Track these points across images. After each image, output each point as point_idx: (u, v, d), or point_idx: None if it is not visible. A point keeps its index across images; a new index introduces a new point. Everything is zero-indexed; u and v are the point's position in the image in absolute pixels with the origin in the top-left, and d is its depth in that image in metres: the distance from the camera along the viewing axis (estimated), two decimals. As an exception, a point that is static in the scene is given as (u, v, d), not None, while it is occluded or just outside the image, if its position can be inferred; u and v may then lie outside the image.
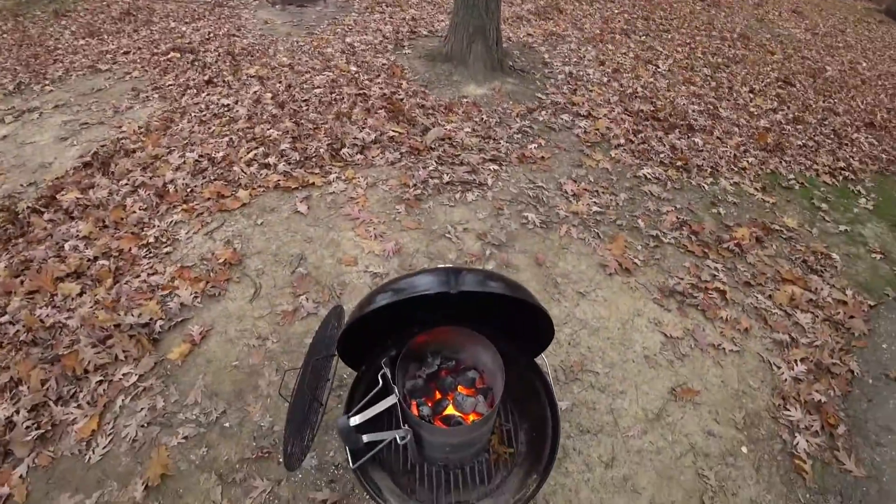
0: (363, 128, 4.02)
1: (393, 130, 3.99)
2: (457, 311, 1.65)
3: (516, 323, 1.73)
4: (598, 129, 4.24)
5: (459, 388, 1.61)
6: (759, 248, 3.21)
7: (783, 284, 2.96)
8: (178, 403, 2.21)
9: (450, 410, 1.55)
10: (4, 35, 6.58)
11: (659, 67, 5.66)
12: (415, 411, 1.52)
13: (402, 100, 4.45)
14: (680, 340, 2.57)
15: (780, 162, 4.09)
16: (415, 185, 3.48)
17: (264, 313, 2.64)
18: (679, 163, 3.90)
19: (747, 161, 4.04)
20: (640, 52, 6.05)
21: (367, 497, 1.48)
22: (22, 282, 2.83)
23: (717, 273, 2.96)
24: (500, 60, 5.00)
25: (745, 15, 8.22)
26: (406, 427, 1.41)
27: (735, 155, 4.09)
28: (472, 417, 1.54)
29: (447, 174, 3.59)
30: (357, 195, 3.41)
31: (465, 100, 4.61)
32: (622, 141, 4.11)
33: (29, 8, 7.76)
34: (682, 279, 2.89)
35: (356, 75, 4.94)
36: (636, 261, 3.00)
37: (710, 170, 3.89)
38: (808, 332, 2.70)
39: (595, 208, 3.40)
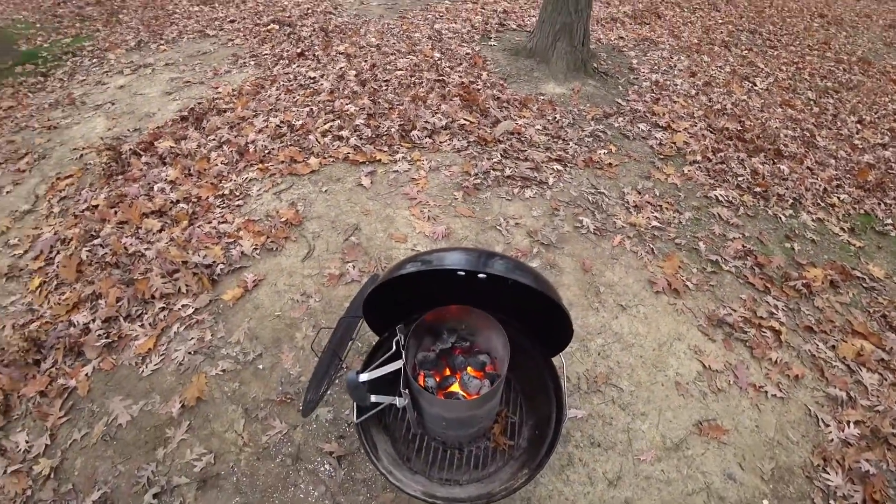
0: (436, 113, 4.11)
1: (464, 119, 4.04)
2: (483, 295, 1.69)
3: (538, 319, 1.74)
4: (674, 143, 4.04)
5: (469, 368, 1.65)
6: (832, 294, 2.94)
7: (852, 337, 2.70)
8: (222, 340, 2.43)
9: (455, 388, 1.60)
10: (132, -4, 7.34)
11: (756, 85, 5.26)
12: (420, 381, 1.58)
13: (478, 90, 4.48)
14: (718, 374, 2.43)
15: (879, 203, 3.69)
16: (476, 174, 3.52)
17: (313, 273, 2.81)
18: (758, 189, 3.64)
19: (838, 197, 3.68)
20: (737, 67, 5.65)
21: (363, 452, 1.56)
22: (115, 212, 3.21)
23: (775, 311, 2.76)
24: (584, 61, 4.88)
25: (871, 37, 7.39)
26: (406, 392, 1.47)
27: (825, 189, 3.74)
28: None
29: (510, 168, 3.60)
30: (419, 177, 3.51)
31: (541, 97, 4.56)
32: (698, 158, 3.89)
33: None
34: (734, 311, 2.72)
35: (438, 62, 5.03)
36: (688, 283, 2.86)
37: (791, 201, 3.59)
38: (870, 394, 2.46)
39: (655, 223, 3.26)
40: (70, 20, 6.88)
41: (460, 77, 4.70)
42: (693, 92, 4.90)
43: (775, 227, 3.37)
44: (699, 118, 4.43)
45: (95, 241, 3.02)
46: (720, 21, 7.14)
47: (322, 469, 1.90)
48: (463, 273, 1.60)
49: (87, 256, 2.92)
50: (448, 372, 1.66)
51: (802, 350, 2.60)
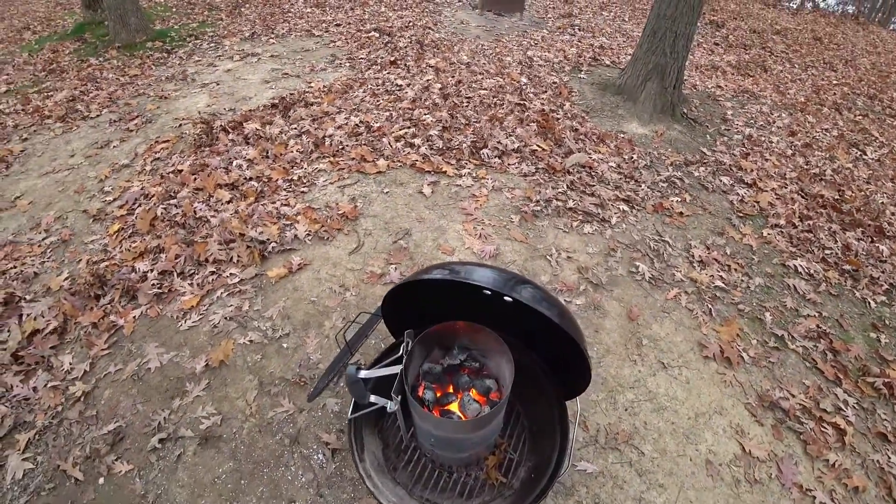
0: (510, 135, 4.11)
1: (537, 145, 4.00)
2: (506, 320, 1.63)
3: (559, 357, 1.65)
4: (757, 202, 3.74)
5: (472, 390, 1.58)
6: (920, 402, 2.54)
7: (937, 456, 2.31)
8: (257, 312, 2.52)
9: (453, 407, 1.53)
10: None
11: (866, 154, 4.77)
12: (420, 392, 1.53)
13: (557, 119, 4.43)
14: (760, 462, 2.16)
15: None
16: (538, 201, 3.46)
17: (356, 268, 2.86)
18: (847, 266, 3.26)
19: (947, 295, 3.21)
20: (846, 132, 5.17)
21: (349, 449, 1.53)
22: (195, 179, 3.48)
23: (844, 407, 2.42)
24: (674, 104, 4.68)
25: None
26: (397, 398, 1.42)
27: (932, 283, 3.28)
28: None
29: (573, 200, 3.50)
30: (479, 194, 3.50)
31: (622, 135, 4.42)
32: (782, 222, 3.57)
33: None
34: (793, 396, 2.43)
35: (523, 87, 5.04)
36: (744, 354, 2.60)
37: (886, 286, 3.18)
38: (949, 528, 2.08)
39: (719, 283, 3.02)
40: (200, 8, 7.69)
41: (542, 104, 4.68)
42: (789, 152, 4.53)
43: (861, 313, 2.99)
44: (791, 180, 4.07)
45: (171, 202, 3.28)
46: (834, 82, 6.60)
47: (315, 457, 1.89)
48: (489, 292, 1.57)
49: (161, 213, 3.17)
50: (451, 389, 1.60)
51: (869, 459, 2.26)
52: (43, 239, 3.19)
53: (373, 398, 1.44)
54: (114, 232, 3.12)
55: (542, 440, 1.64)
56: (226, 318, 2.49)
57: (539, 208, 3.39)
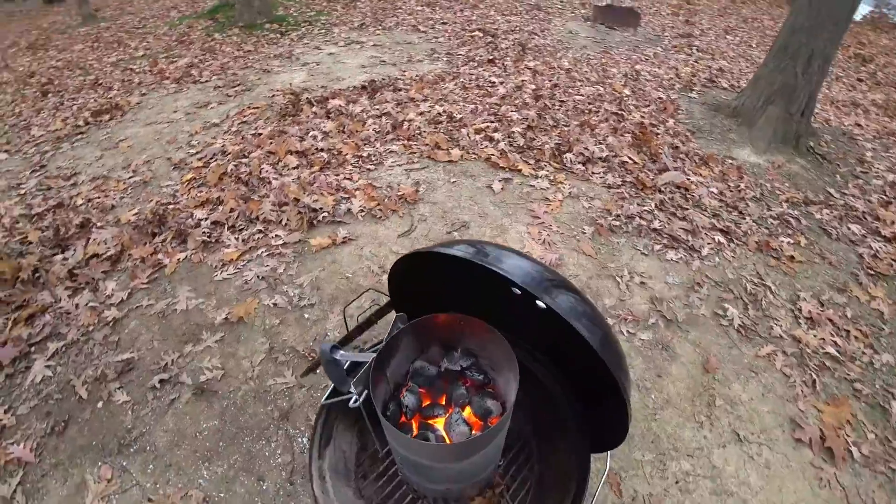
0: (600, 142, 3.74)
1: (629, 157, 3.60)
2: (534, 330, 1.32)
3: (592, 394, 1.32)
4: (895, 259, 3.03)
5: (467, 409, 1.26)
6: None
7: None
8: (290, 277, 2.42)
9: (438, 423, 1.23)
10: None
11: None
12: (402, 393, 1.26)
13: (656, 134, 3.98)
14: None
15: None
16: (618, 215, 3.07)
17: (400, 251, 2.68)
18: None
19: None
20: None
21: (309, 437, 1.29)
22: (270, 143, 3.52)
23: None
24: (798, 135, 4.00)
25: None
26: (360, 391, 1.15)
27: None
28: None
29: (660, 221, 3.06)
30: (553, 199, 3.19)
31: (730, 161, 3.86)
32: (931, 291, 2.84)
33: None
34: (922, 513, 1.82)
35: (625, 98, 4.63)
36: (854, 450, 2.01)
37: None
38: None
39: (832, 349, 2.42)
40: (320, 0, 8.12)
41: (642, 117, 4.24)
42: (951, 211, 3.66)
43: None
44: (950, 244, 3.26)
45: (243, 160, 3.34)
46: None
47: (299, 440, 1.70)
48: (518, 292, 1.28)
49: (231, 170, 3.23)
50: (442, 400, 1.30)
51: None
52: (129, 178, 3.39)
53: (353, 387, 1.19)
54: (186, 180, 3.23)
55: (552, 494, 1.29)
56: (259, 276, 2.41)
57: (618, 224, 2.99)
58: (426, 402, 1.28)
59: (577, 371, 1.41)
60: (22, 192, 3.42)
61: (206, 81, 5.03)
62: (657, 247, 2.90)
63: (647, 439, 1.95)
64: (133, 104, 4.65)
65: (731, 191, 3.49)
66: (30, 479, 1.67)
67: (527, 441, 1.51)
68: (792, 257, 2.96)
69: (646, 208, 3.17)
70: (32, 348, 2.13)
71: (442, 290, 1.39)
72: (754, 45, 7.10)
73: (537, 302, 1.37)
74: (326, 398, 1.23)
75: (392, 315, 1.37)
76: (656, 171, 3.54)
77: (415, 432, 1.24)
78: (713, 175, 3.63)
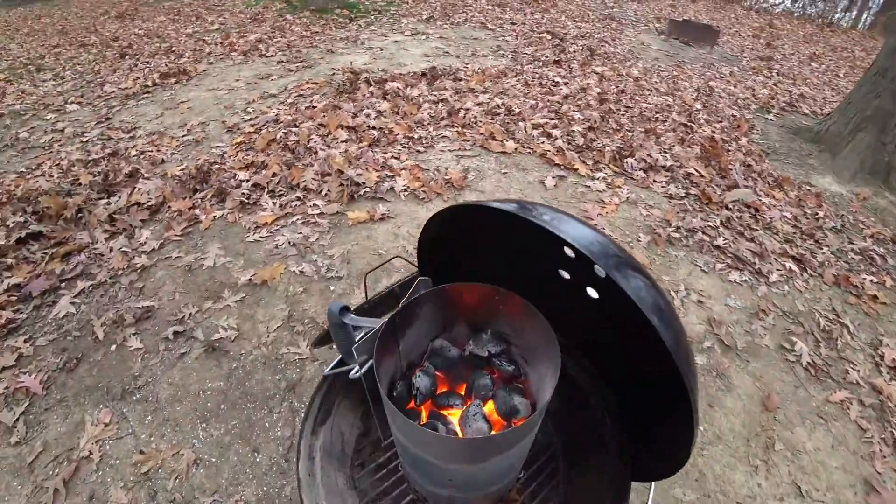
0: (665, 151, 3.46)
1: (695, 169, 3.30)
2: (587, 320, 1.12)
3: (647, 410, 1.10)
4: None
5: (490, 403, 1.07)
6: None
7: None
8: (321, 248, 2.31)
9: (452, 415, 1.04)
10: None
11: None
12: (415, 373, 1.08)
13: (728, 150, 3.65)
14: None
15: None
16: (678, 227, 2.80)
17: (440, 238, 2.52)
18: None
19: None
20: None
21: (305, 409, 1.13)
22: (323, 116, 3.47)
23: None
24: (890, 167, 3.56)
25: None
26: (362, 361, 0.97)
27: None
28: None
29: (724, 239, 2.76)
30: (608, 202, 2.95)
31: (808, 187, 3.48)
32: None
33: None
34: None
35: (695, 112, 4.31)
36: (950, 522, 1.67)
37: None
38: None
39: (922, 407, 2.06)
40: (394, -9, 8.17)
41: (712, 132, 3.92)
42: None
43: None
44: None
45: (293, 129, 3.29)
46: None
47: (302, 416, 1.56)
48: (572, 254, 1.07)
49: (280, 137, 3.19)
50: (461, 389, 1.11)
51: None
52: (183, 136, 3.42)
53: (355, 354, 1.02)
54: (235, 143, 3.21)
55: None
56: (290, 242, 2.31)
57: (678, 236, 2.72)
58: (442, 389, 1.10)
59: (626, 379, 1.19)
60: (84, 139, 3.52)
61: (271, 56, 5.10)
62: (719, 265, 2.61)
63: (690, 476, 1.70)
64: (199, 71, 4.76)
65: (808, 218, 3.13)
66: (33, 411, 1.62)
67: (554, 455, 1.30)
68: (875, 297, 2.59)
69: (710, 224, 2.88)
70: (63, 284, 2.12)
71: (478, 264, 1.21)
72: (841, 75, 6.54)
73: (587, 290, 1.18)
74: (330, 369, 1.06)
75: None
76: (725, 187, 3.23)
77: (423, 420, 1.06)
78: (788, 199, 3.28)
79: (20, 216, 2.50)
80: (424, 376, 1.07)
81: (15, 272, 2.17)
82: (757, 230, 2.91)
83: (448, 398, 1.08)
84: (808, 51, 7.61)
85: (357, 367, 0.96)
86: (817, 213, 3.19)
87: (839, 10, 12.08)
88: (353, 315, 0.99)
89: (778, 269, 2.65)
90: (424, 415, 1.07)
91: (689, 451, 0.90)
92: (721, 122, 4.23)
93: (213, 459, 1.43)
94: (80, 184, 2.77)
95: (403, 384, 1.07)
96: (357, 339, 1.00)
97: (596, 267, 1.08)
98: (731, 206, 3.06)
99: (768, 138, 4.15)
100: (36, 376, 1.72)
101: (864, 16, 13.25)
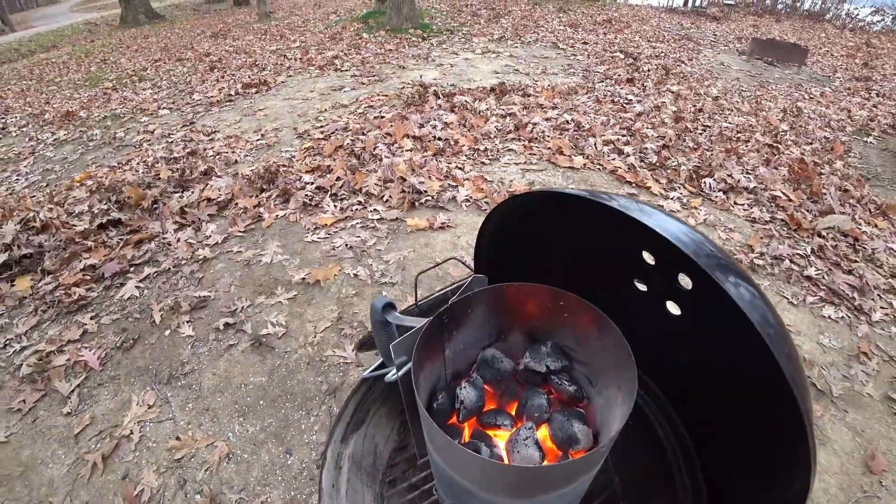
0: (747, 172, 3.17)
1: (782, 191, 2.99)
2: (669, 337, 0.97)
3: (725, 455, 0.92)
4: None
5: (543, 427, 0.92)
6: None
7: None
8: (378, 252, 2.26)
9: (497, 435, 0.91)
10: (516, 10, 8.35)
11: None
12: (460, 384, 0.95)
13: (821, 174, 3.28)
14: None
15: None
16: (762, 254, 2.52)
17: (498, 250, 2.41)
18: None
19: None
20: None
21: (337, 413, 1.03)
22: (390, 125, 3.50)
23: None
24: None
25: None
26: (403, 362, 0.85)
27: None
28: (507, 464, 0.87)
29: (816, 269, 2.45)
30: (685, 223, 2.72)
31: None
32: None
33: (553, 1, 9.60)
34: None
35: (781, 133, 3.95)
36: None
37: None
38: None
39: None
40: (466, 15, 8.32)
41: (802, 153, 3.55)
42: None
43: None
44: None
45: (361, 136, 3.34)
46: None
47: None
48: (652, 261, 0.94)
49: (347, 144, 3.23)
50: (511, 409, 0.97)
51: None
52: (257, 140, 3.57)
53: (392, 353, 0.92)
54: (304, 148, 3.30)
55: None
56: (347, 245, 2.29)
57: (762, 263, 2.44)
58: (490, 406, 0.97)
59: (706, 412, 1.01)
60: (171, 140, 3.77)
61: (346, 70, 5.29)
62: (810, 298, 2.30)
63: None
64: (279, 82, 5.01)
65: (923, 253, 2.71)
66: (87, 385, 1.66)
67: (613, 498, 1.12)
68: None
69: (799, 251, 2.56)
70: (132, 269, 2.21)
71: (541, 269, 1.09)
72: None
73: (667, 304, 1.02)
74: (370, 371, 0.97)
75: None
76: (817, 213, 2.89)
77: (464, 438, 0.93)
78: (893, 229, 2.87)
79: (104, 204, 2.67)
80: (471, 388, 0.95)
81: (93, 254, 2.30)
82: (856, 262, 2.55)
83: (496, 417, 0.95)
84: None
85: (394, 370, 0.85)
86: (935, 249, 2.76)
87: None
88: (397, 313, 0.90)
89: (882, 308, 2.29)
90: (467, 433, 0.95)
91: (806, 490, 0.70)
92: (811, 143, 3.84)
93: (246, 455, 1.38)
94: (159, 178, 2.93)
95: (446, 395, 0.95)
96: (397, 332, 0.90)
97: (681, 276, 0.93)
98: (824, 233, 2.72)
99: (868, 162, 3.70)
100: (95, 352, 1.78)
101: None
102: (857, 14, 11.50)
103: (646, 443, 1.09)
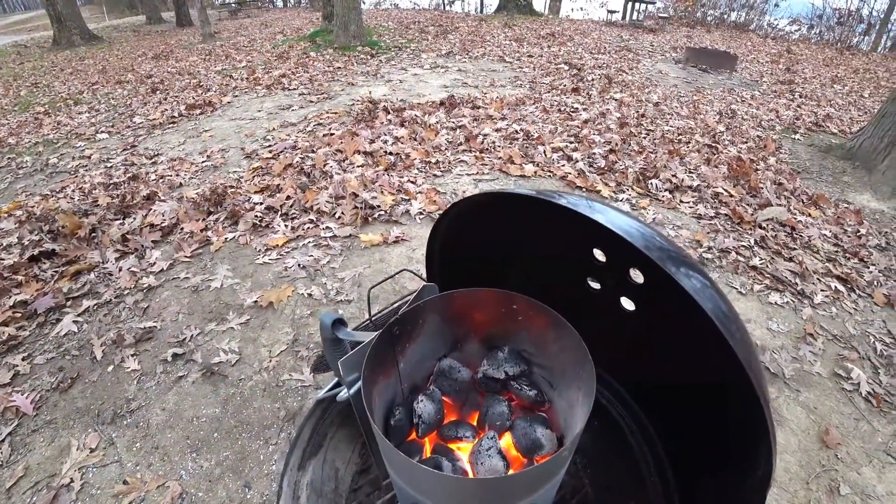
0: (690, 171, 3.33)
1: (723, 188, 3.15)
2: (613, 345, 0.98)
3: (691, 451, 0.94)
4: None
5: (506, 434, 0.92)
6: None
7: None
8: (332, 270, 2.22)
9: (460, 448, 0.90)
10: (463, 27, 8.54)
11: None
12: (417, 399, 0.93)
13: (757, 170, 3.50)
14: None
15: None
16: (710, 248, 2.64)
17: (456, 261, 2.42)
18: None
19: None
20: None
21: (290, 444, 1.00)
22: (340, 142, 3.47)
23: None
24: None
25: None
26: (354, 379, 0.83)
27: None
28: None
29: (760, 259, 2.59)
30: (631, 227, 2.82)
31: (845, 204, 3.29)
32: None
33: (498, 17, 9.87)
34: None
35: (719, 133, 4.19)
36: None
37: None
38: None
39: None
40: (413, 32, 8.43)
41: (739, 152, 3.78)
42: None
43: None
44: None
45: (312, 155, 3.28)
46: None
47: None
48: (603, 258, 0.95)
49: (297, 162, 3.18)
50: (472, 419, 0.96)
51: None
52: (202, 161, 3.45)
53: (342, 370, 0.89)
54: (252, 169, 3.21)
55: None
56: (300, 265, 2.23)
57: (710, 256, 2.55)
58: (450, 418, 0.95)
59: (669, 406, 1.03)
60: (109, 165, 3.59)
61: (294, 89, 5.22)
62: (757, 287, 2.43)
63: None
64: (224, 102, 4.88)
65: (849, 236, 2.93)
66: (20, 433, 1.52)
67: (585, 501, 1.12)
68: None
69: (743, 243, 2.71)
70: (68, 302, 2.07)
71: (494, 275, 1.09)
72: (866, 95, 6.38)
73: (621, 300, 1.04)
74: (326, 391, 0.94)
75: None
76: (757, 206, 3.07)
77: (425, 455, 0.91)
78: (825, 217, 3.09)
79: (36, 234, 2.50)
80: (428, 402, 0.93)
81: (24, 289, 2.13)
82: (795, 249, 2.72)
83: (457, 429, 0.93)
84: (829, 74, 7.49)
85: (345, 389, 0.82)
86: (859, 231, 2.98)
87: (858, 34, 12.02)
88: (348, 329, 0.87)
89: (823, 290, 2.44)
90: (428, 448, 0.92)
91: (764, 493, 0.72)
92: (746, 142, 4.10)
93: (201, 494, 1.29)
94: (97, 205, 2.77)
95: (403, 411, 0.92)
96: (348, 347, 0.87)
97: (632, 271, 0.95)
98: (764, 224, 2.88)
99: (798, 157, 3.98)
100: (29, 396, 1.64)
101: (884, 39, 13.09)
102: (777, 24, 12.51)
103: (615, 443, 1.10)
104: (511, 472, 0.87)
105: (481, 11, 17.91)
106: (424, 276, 1.46)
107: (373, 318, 1.10)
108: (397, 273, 1.14)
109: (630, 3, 11.01)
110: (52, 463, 1.43)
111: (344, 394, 0.83)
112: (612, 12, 12.59)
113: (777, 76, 6.94)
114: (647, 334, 0.98)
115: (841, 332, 2.20)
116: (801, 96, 5.89)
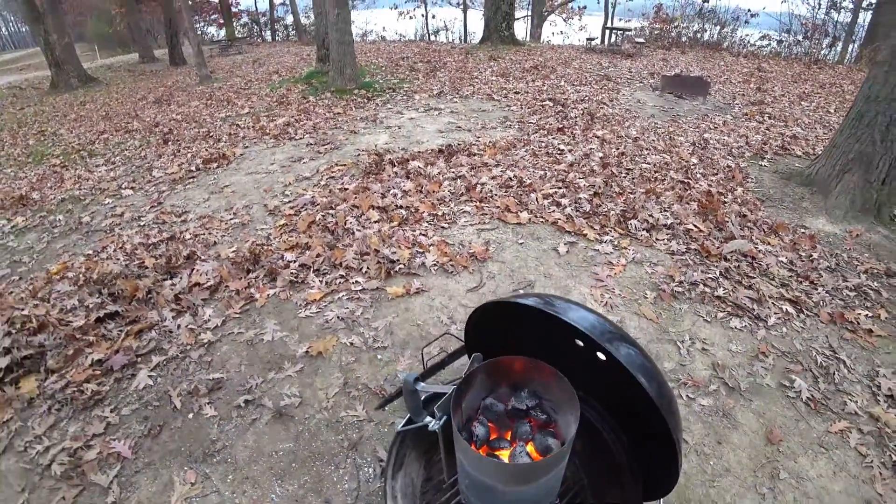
0: (665, 210, 3.79)
1: (694, 224, 3.61)
2: (592, 375, 1.43)
3: (649, 442, 1.37)
4: None
5: (530, 444, 1.37)
6: None
7: None
8: (366, 321, 2.61)
9: (503, 455, 1.34)
10: (450, 62, 9.08)
11: None
12: (473, 425, 1.38)
13: (724, 202, 3.97)
14: None
15: None
16: (681, 282, 3.07)
17: (469, 304, 2.82)
18: None
19: None
20: None
21: (385, 461, 1.40)
22: (355, 197, 3.88)
23: None
24: (880, 203, 3.85)
25: None
26: (441, 417, 1.28)
27: None
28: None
29: (724, 289, 3.03)
30: (616, 263, 3.24)
31: (802, 229, 3.77)
32: None
33: (483, 49, 10.45)
34: None
35: (692, 166, 4.68)
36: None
37: None
38: None
39: (923, 439, 2.22)
40: (404, 70, 8.95)
41: (709, 185, 4.26)
42: None
43: None
44: None
45: (330, 211, 3.69)
46: None
47: (366, 469, 1.80)
48: (580, 343, 1.39)
49: (319, 219, 3.58)
50: (508, 435, 1.42)
51: None
52: (230, 219, 3.83)
53: (427, 417, 1.33)
54: (279, 226, 3.61)
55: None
56: (338, 317, 2.62)
57: (681, 290, 2.98)
58: (494, 436, 1.40)
59: (634, 423, 1.47)
60: (142, 223, 3.96)
61: (300, 139, 5.65)
62: (721, 314, 2.86)
63: (705, 509, 1.87)
64: (237, 155, 5.29)
65: (803, 260, 3.38)
66: (125, 473, 1.87)
67: (583, 488, 1.58)
68: (870, 331, 2.80)
69: (710, 276, 3.14)
70: (139, 359, 2.42)
71: (513, 339, 1.51)
72: (832, 111, 6.95)
73: (598, 353, 1.47)
74: (403, 426, 1.36)
75: (464, 358, 1.50)
76: (722, 240, 3.52)
77: (483, 458, 1.36)
78: (783, 244, 3.55)
79: (97, 297, 2.86)
80: (480, 426, 1.39)
81: (95, 348, 2.48)
82: (754, 277, 3.16)
83: (499, 442, 1.39)
84: (797, 90, 8.07)
85: (435, 422, 1.28)
86: (811, 255, 3.44)
87: (824, 46, 12.71)
88: (423, 384, 1.29)
89: (776, 313, 2.88)
90: (483, 455, 1.37)
91: (677, 472, 1.18)
92: (717, 174, 4.58)
93: (292, 512, 1.66)
94: (145, 267, 3.14)
95: (465, 433, 1.38)
96: (422, 399, 1.30)
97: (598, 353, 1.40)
98: (729, 256, 3.33)
99: (762, 185, 4.47)
100: (125, 442, 1.99)
101: (850, 49, 13.88)
102: (749, 39, 13.25)
103: (602, 451, 1.53)
104: (527, 453, 1.34)
105: (465, 41, 18.64)
106: (460, 335, 1.86)
107: (426, 370, 1.54)
108: (442, 335, 1.54)
109: (608, 31, 11.70)
110: (159, 496, 1.78)
111: (434, 425, 1.25)
112: (591, 40, 13.32)
113: (748, 97, 7.50)
114: (614, 376, 1.41)
115: (789, 348, 2.63)
116: (769, 118, 6.43)
